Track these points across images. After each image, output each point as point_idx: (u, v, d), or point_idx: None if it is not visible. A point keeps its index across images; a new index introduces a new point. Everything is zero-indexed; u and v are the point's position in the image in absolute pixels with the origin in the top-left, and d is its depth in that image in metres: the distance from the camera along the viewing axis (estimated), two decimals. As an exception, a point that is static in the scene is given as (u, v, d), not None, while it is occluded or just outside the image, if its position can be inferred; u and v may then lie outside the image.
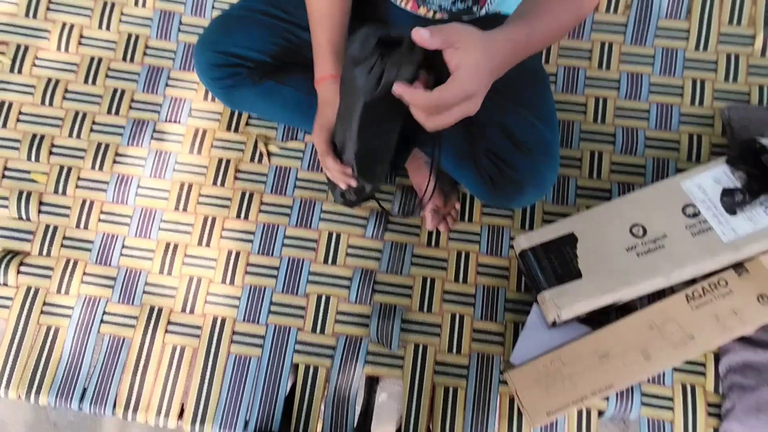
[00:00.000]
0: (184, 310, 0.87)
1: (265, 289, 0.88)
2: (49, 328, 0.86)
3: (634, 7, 0.98)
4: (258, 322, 0.86)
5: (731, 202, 0.66)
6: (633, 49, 0.97)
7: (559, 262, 0.72)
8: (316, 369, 0.84)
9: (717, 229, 0.66)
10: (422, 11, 0.76)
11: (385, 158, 0.69)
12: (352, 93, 0.54)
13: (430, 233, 0.90)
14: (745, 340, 0.76)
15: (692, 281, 0.72)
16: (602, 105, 0.95)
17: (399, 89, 0.46)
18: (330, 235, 0.90)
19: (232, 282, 0.88)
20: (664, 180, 0.73)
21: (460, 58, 0.44)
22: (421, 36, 0.44)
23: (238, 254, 0.89)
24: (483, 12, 0.75)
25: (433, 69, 0.47)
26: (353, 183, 0.69)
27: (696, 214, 0.68)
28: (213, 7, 1.00)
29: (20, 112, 0.96)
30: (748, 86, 0.94)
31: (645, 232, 0.69)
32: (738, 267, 0.73)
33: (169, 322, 0.86)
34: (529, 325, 0.78)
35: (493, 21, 0.76)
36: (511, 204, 0.78)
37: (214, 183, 0.92)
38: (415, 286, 0.87)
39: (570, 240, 0.72)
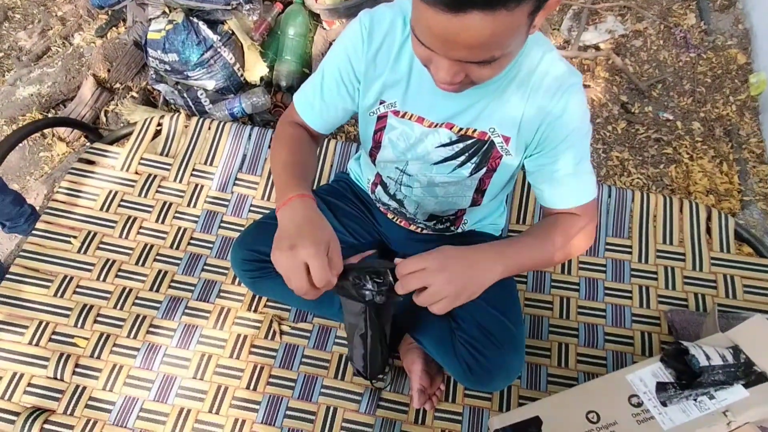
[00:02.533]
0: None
1: (263, 459, 0.95)
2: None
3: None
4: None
5: (665, 395, 0.78)
6: (588, 258, 1.19)
7: (527, 444, 0.82)
8: None
9: (658, 418, 0.77)
10: (413, 228, 0.99)
11: (384, 351, 0.87)
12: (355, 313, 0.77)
13: (417, 411, 1.00)
14: None
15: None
16: (566, 303, 1.13)
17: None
18: (328, 408, 1.00)
19: (233, 451, 0.96)
20: (614, 373, 0.87)
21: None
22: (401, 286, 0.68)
23: (243, 422, 0.98)
24: (459, 230, 0.98)
25: None
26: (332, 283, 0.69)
27: (640, 404, 0.80)
28: (249, 210, 1.26)
29: (78, 285, 1.15)
30: (685, 293, 1.13)
31: (599, 418, 0.80)
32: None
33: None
34: None
35: (469, 236, 0.99)
36: (485, 387, 0.90)
37: (231, 355, 1.05)
38: (403, 464, 0.95)
39: (536, 422, 0.82)
